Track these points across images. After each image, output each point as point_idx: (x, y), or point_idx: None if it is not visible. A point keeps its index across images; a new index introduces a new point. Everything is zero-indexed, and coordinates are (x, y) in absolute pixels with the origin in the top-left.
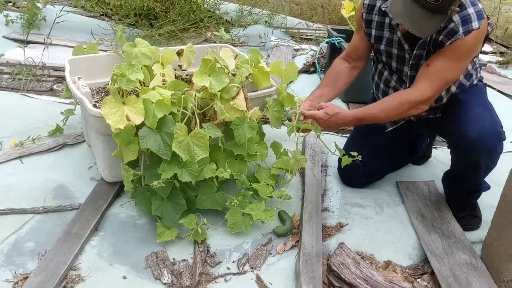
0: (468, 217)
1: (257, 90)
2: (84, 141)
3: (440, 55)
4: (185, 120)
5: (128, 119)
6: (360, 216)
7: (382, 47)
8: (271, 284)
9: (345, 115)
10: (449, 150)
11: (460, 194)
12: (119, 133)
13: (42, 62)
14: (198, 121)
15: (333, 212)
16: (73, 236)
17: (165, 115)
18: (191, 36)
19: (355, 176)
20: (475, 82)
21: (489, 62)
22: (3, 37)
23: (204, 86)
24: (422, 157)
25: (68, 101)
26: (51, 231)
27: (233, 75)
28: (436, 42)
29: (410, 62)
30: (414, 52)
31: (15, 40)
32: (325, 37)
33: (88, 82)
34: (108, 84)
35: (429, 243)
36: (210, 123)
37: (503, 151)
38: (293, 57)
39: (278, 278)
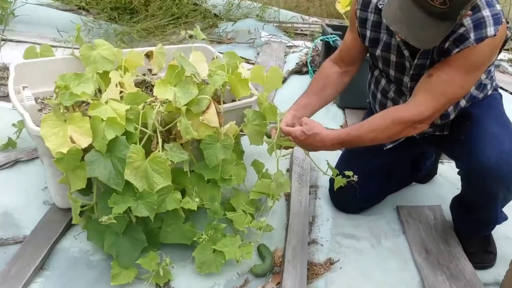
0: (481, 253)
1: (236, 100)
2: None
3: (445, 64)
4: (144, 140)
5: (73, 141)
6: (354, 250)
7: (378, 52)
8: None
9: (324, 136)
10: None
11: (471, 225)
12: (62, 158)
13: (2, 63)
14: (160, 140)
15: (322, 245)
16: (11, 278)
17: (117, 136)
18: (173, 33)
19: (349, 200)
20: (489, 92)
21: (500, 60)
22: None
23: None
24: (426, 175)
25: None
26: None
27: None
28: (441, 50)
29: (411, 72)
30: (415, 61)
31: None
32: (321, 33)
33: (40, 91)
34: (50, 97)
35: (435, 286)
36: (174, 144)
37: None
38: (285, 55)
39: None
